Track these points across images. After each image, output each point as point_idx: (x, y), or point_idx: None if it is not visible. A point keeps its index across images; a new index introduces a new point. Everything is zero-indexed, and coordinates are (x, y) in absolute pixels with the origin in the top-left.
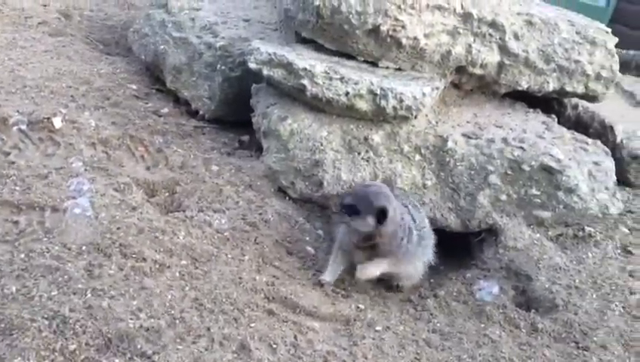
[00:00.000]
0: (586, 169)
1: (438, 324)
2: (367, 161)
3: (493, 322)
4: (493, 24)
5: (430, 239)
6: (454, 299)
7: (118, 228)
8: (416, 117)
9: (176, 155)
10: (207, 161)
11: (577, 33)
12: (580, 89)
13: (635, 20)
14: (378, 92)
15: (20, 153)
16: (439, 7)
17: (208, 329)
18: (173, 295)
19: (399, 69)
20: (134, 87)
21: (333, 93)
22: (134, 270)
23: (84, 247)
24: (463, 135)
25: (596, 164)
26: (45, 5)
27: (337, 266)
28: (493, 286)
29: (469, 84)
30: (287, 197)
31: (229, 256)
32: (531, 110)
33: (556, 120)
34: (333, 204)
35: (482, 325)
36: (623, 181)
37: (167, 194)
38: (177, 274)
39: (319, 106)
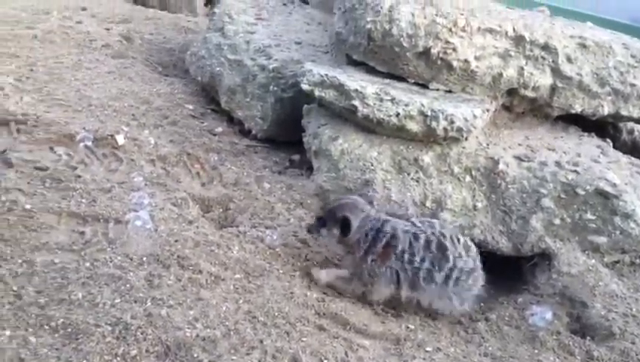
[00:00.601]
0: None
1: (490, 348)
2: (417, 181)
3: (546, 348)
4: (545, 47)
5: (472, 278)
6: (506, 323)
7: (176, 241)
8: (466, 138)
9: (230, 173)
10: (260, 179)
11: (632, 57)
12: (636, 113)
13: None
14: (429, 113)
15: (86, 168)
16: (491, 30)
17: (261, 341)
18: (227, 307)
19: (449, 91)
20: (191, 107)
21: (384, 114)
22: (191, 281)
23: (144, 258)
24: (515, 157)
25: None
26: (108, 29)
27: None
28: (546, 312)
29: (520, 106)
30: None
31: (281, 271)
32: (585, 134)
33: (611, 144)
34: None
35: (535, 351)
36: None
37: (221, 209)
38: (232, 286)
39: (370, 127)
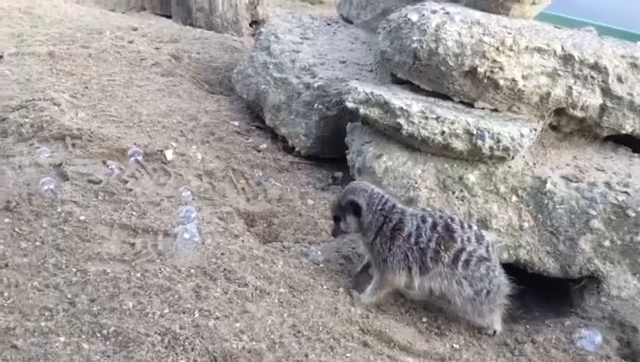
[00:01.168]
0: None
1: None
2: (462, 200)
3: None
4: (595, 66)
5: (484, 266)
6: (553, 346)
7: (222, 254)
8: (513, 158)
9: (274, 189)
10: (303, 195)
11: None
12: None
13: None
14: (474, 132)
15: (136, 181)
16: (539, 50)
17: (306, 355)
18: (272, 320)
19: (495, 110)
20: (236, 123)
21: (429, 132)
22: (237, 294)
23: (192, 270)
24: (563, 177)
25: None
26: (158, 48)
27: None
28: (595, 336)
29: (568, 126)
30: None
31: (325, 286)
32: (636, 155)
33: None
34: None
35: None
36: None
37: (265, 224)
38: (276, 300)
39: (414, 145)
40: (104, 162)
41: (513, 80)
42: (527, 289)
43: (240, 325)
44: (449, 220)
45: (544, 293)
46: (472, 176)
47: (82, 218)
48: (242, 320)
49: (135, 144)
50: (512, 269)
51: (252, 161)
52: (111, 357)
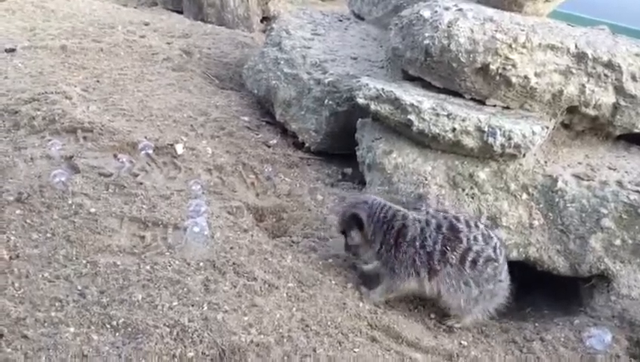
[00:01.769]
0: None
1: None
2: (472, 197)
3: None
4: (609, 64)
5: (492, 267)
6: (562, 344)
7: (232, 248)
8: (524, 155)
9: (284, 184)
10: (313, 191)
11: None
12: None
13: None
14: (486, 129)
15: (147, 175)
16: (552, 47)
17: (314, 349)
18: (281, 314)
19: (507, 108)
20: (246, 119)
21: (440, 129)
22: (246, 288)
23: (201, 263)
24: (574, 176)
25: None
26: (169, 43)
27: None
28: (605, 335)
29: (580, 124)
30: None
31: (333, 281)
32: None
33: None
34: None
35: None
36: None
37: (274, 219)
38: (285, 295)
39: (424, 142)
40: (115, 155)
41: (526, 77)
42: (536, 288)
43: (248, 318)
44: (454, 220)
45: (553, 292)
46: (483, 174)
47: (93, 210)
48: (251, 314)
49: (146, 138)
50: (522, 267)
51: (262, 156)
52: (120, 348)
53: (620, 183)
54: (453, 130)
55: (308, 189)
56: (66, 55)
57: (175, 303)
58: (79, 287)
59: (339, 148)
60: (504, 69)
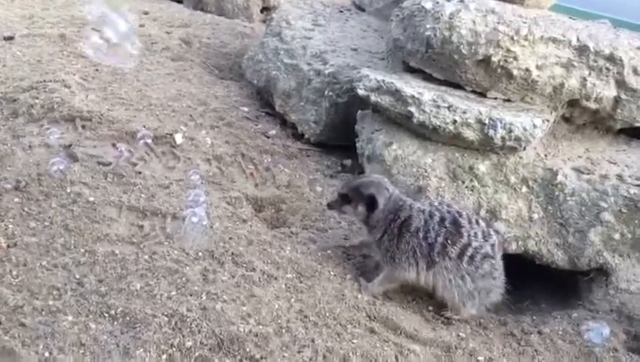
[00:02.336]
0: None
1: (543, 361)
2: (472, 190)
3: None
4: (610, 58)
5: (488, 264)
6: (560, 337)
7: (230, 238)
8: (525, 148)
9: (283, 175)
10: (312, 182)
11: None
12: None
13: None
14: (486, 122)
15: (146, 164)
16: (554, 40)
17: (313, 340)
18: (280, 305)
19: (508, 100)
20: (246, 109)
21: (441, 121)
22: (245, 278)
23: (200, 253)
24: (574, 169)
25: None
26: (169, 33)
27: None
28: (603, 328)
29: (581, 118)
30: None
31: (332, 273)
32: None
33: None
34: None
35: None
36: None
37: (273, 210)
38: (284, 285)
39: (425, 134)
40: (113, 144)
41: (527, 70)
42: (534, 281)
43: (247, 309)
44: (457, 215)
45: (552, 285)
46: (483, 166)
47: (91, 199)
48: (249, 304)
49: (145, 127)
50: (520, 260)
51: (261, 146)
52: (118, 337)
53: (620, 177)
54: (454, 122)
55: (307, 180)
56: (64, 43)
57: (173, 293)
58: (77, 276)
59: (338, 139)
60: (506, 61)
